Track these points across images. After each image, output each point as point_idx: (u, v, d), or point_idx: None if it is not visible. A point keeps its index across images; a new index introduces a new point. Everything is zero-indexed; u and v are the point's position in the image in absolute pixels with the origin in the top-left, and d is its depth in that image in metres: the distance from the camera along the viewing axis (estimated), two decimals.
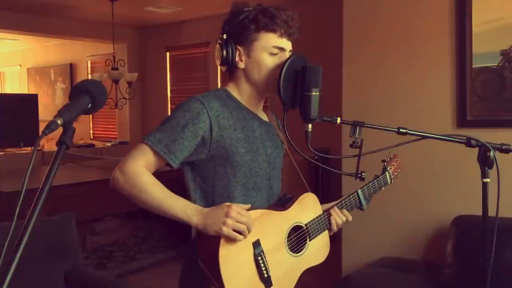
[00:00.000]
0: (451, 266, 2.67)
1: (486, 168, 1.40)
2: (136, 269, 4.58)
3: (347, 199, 1.66)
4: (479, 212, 1.43)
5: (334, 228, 1.61)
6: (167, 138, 1.42)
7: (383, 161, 1.84)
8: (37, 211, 0.81)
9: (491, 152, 1.40)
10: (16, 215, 0.79)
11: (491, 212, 1.39)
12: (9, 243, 0.77)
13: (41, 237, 2.65)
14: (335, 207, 1.62)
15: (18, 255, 0.77)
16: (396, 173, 1.86)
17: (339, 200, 1.66)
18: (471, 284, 2.40)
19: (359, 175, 1.53)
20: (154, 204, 1.39)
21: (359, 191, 1.69)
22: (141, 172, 1.40)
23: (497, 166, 1.40)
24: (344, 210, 1.63)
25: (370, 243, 3.15)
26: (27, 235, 0.79)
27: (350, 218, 1.64)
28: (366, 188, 1.71)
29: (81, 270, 2.81)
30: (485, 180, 1.40)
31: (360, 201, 1.68)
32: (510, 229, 2.46)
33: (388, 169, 1.81)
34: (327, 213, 1.61)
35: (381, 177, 1.78)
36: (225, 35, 1.53)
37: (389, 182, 1.81)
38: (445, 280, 2.66)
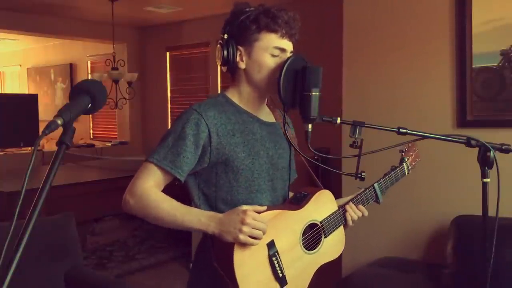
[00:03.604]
0: (451, 266, 2.67)
1: (486, 168, 1.40)
2: (136, 269, 4.58)
3: (363, 193, 1.66)
4: (479, 212, 1.43)
5: (350, 223, 1.62)
6: (171, 154, 1.43)
7: (401, 151, 1.82)
8: (37, 211, 0.81)
9: (491, 152, 1.40)
10: (16, 215, 0.79)
11: (491, 212, 1.39)
12: (9, 243, 0.77)
13: (41, 237, 2.65)
14: (351, 203, 1.63)
15: (18, 255, 0.77)
16: (414, 163, 1.84)
17: (355, 195, 1.66)
18: (471, 284, 2.41)
19: (359, 175, 1.53)
20: (167, 219, 1.41)
21: (376, 184, 1.69)
22: (150, 191, 1.42)
23: (497, 166, 1.40)
24: (360, 206, 1.64)
25: (370, 243, 3.15)
26: (27, 235, 0.79)
27: (366, 213, 1.65)
28: (383, 181, 1.71)
29: (81, 270, 2.81)
30: (485, 180, 1.40)
31: (376, 195, 1.69)
32: (510, 229, 2.46)
33: (406, 159, 1.80)
34: (342, 209, 1.62)
35: (398, 168, 1.77)
36: (226, 35, 1.52)
37: (406, 173, 1.80)
38: (445, 280, 2.66)
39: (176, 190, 1.59)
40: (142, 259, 4.83)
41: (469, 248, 2.58)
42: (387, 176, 1.73)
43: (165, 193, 1.47)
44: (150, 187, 1.43)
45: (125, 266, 4.63)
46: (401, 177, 1.78)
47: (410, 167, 1.82)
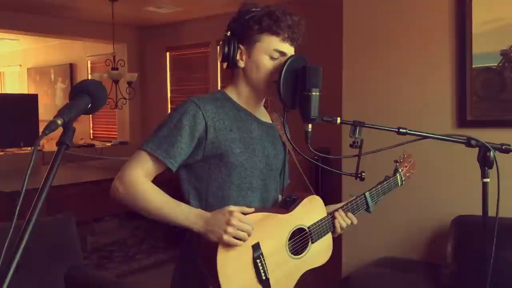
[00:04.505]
0: (451, 266, 2.67)
1: (486, 168, 1.40)
2: (136, 269, 4.58)
3: (353, 201, 1.65)
4: (479, 212, 1.43)
5: (338, 230, 1.61)
6: (166, 143, 1.42)
7: (396, 161, 1.81)
8: (37, 211, 0.81)
9: (491, 152, 1.40)
10: (16, 215, 0.79)
11: (491, 212, 1.39)
12: (9, 243, 0.77)
13: (41, 237, 2.65)
14: (340, 210, 1.61)
15: (18, 255, 0.77)
16: (408, 174, 1.83)
17: (345, 202, 1.65)
18: (471, 284, 2.41)
19: (359, 175, 1.53)
20: (155, 212, 1.41)
21: (367, 193, 1.68)
22: (140, 181, 1.41)
23: (497, 166, 1.40)
24: (349, 213, 1.62)
25: (370, 243, 3.15)
26: (27, 235, 0.78)
27: (355, 221, 1.63)
28: (375, 190, 1.70)
29: (81, 270, 2.81)
30: (485, 180, 1.40)
31: (367, 204, 1.67)
32: (510, 229, 2.46)
33: (400, 170, 1.79)
34: (331, 215, 1.60)
35: (391, 178, 1.76)
36: (229, 32, 1.53)
37: (399, 184, 1.79)
38: (445, 280, 2.66)
39: (171, 183, 1.57)
40: (142, 259, 4.83)
41: (469, 248, 2.57)
42: (379, 186, 1.72)
43: (161, 188, 1.45)
44: (140, 176, 1.41)
45: (125, 266, 4.63)
46: (394, 187, 1.77)
47: (404, 178, 1.81)
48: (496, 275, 1.49)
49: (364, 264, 3.00)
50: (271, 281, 1.44)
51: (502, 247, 1.81)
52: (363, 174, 1.52)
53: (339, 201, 1.69)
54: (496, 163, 1.40)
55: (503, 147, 1.45)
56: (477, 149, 1.43)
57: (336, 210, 1.62)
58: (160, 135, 1.44)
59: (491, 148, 1.40)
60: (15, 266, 0.76)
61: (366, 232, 3.06)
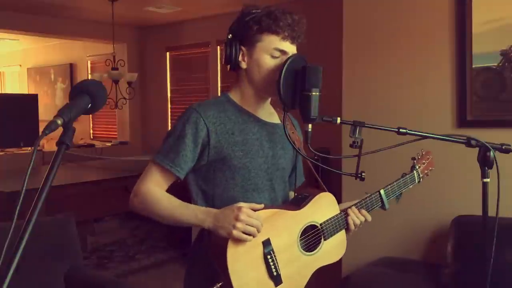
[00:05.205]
0: (451, 266, 2.67)
1: (486, 168, 1.40)
2: (136, 269, 4.59)
3: (367, 198, 1.64)
4: (479, 212, 1.43)
5: (352, 227, 1.60)
6: (172, 153, 1.49)
7: (413, 158, 1.78)
8: (37, 211, 0.81)
9: (491, 152, 1.40)
10: (16, 215, 0.79)
11: (491, 212, 1.39)
12: (9, 243, 0.77)
13: (41, 237, 2.65)
14: (353, 207, 1.61)
15: (18, 255, 0.77)
16: (427, 171, 1.80)
17: (359, 200, 1.64)
18: (471, 284, 2.41)
19: (359, 175, 1.53)
20: (167, 215, 1.48)
21: (382, 190, 1.66)
22: (151, 190, 1.49)
23: (497, 166, 1.40)
24: (363, 210, 1.61)
25: (370, 243, 3.15)
26: (27, 235, 0.78)
27: (369, 218, 1.62)
28: (390, 187, 1.68)
29: (81, 270, 2.81)
30: (485, 180, 1.40)
31: (382, 201, 1.66)
32: (510, 229, 2.46)
33: (417, 167, 1.77)
34: (344, 212, 1.60)
35: (408, 175, 1.74)
36: (230, 34, 1.55)
37: (417, 181, 1.76)
38: (445, 280, 2.66)
39: (180, 188, 1.60)
40: (142, 259, 4.84)
41: (469, 248, 2.58)
42: (395, 183, 1.70)
43: (169, 191, 1.51)
44: (152, 187, 1.49)
45: (125, 266, 4.63)
46: (411, 184, 1.74)
47: (421, 175, 1.77)
48: (496, 275, 1.49)
49: (364, 264, 3.00)
50: (282, 277, 1.44)
51: (502, 247, 1.81)
52: (363, 174, 1.52)
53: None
54: (496, 163, 1.40)
55: (503, 147, 1.45)
56: (477, 149, 1.43)
57: (349, 207, 1.61)
58: (166, 145, 1.51)
59: (491, 148, 1.40)
60: (15, 266, 0.76)
61: (366, 232, 3.05)
